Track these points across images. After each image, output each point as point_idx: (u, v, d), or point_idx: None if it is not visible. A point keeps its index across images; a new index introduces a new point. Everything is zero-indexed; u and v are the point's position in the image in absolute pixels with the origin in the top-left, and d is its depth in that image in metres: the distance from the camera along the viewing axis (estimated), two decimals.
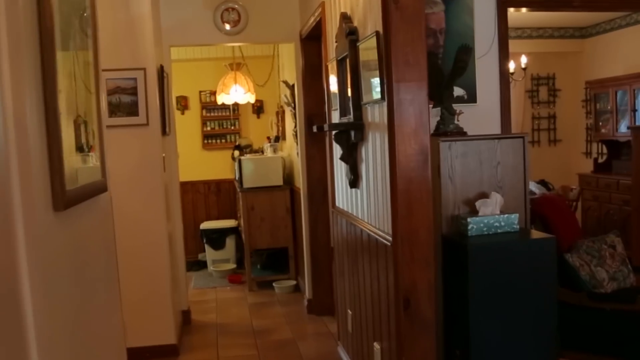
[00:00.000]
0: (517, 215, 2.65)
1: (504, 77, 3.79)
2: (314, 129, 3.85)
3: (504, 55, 3.76)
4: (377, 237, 2.81)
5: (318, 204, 5.06)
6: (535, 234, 2.70)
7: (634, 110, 6.49)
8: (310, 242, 5.14)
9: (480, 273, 2.44)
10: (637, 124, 6.38)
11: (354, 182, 3.25)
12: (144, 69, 4.09)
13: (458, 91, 3.32)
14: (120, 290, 2.12)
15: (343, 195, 3.70)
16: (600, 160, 7.29)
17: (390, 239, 2.57)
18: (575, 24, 7.68)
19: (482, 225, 2.61)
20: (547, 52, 7.95)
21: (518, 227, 2.67)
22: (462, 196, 2.71)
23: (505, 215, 2.63)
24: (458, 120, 3.08)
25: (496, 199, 2.65)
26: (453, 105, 2.98)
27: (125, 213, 3.94)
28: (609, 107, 7.02)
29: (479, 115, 3.63)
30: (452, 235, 2.70)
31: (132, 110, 4.11)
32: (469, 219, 2.61)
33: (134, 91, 4.11)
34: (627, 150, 6.87)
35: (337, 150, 3.54)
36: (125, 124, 4.07)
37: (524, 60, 6.43)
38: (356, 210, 3.33)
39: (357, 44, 2.92)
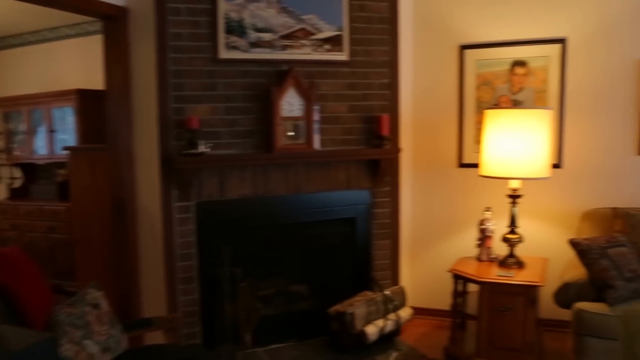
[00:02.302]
0: None
1: None
2: None
3: None
4: None
5: None
6: (23, 333, 1.63)
7: (53, 131, 5.94)
8: None
9: None
10: (57, 144, 5.88)
11: None
12: None
13: None
14: None
15: None
16: (15, 186, 6.45)
17: None
18: None
19: None
20: None
21: None
22: None
23: None
24: None
25: None
26: None
27: None
28: (23, 128, 6.26)
29: None
30: None
31: None
32: None
33: None
34: (47, 174, 6.30)
35: None
36: None
37: None
38: None
39: None
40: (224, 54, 3.67)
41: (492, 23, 4.25)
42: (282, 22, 3.78)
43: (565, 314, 3.56)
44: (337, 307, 3.75)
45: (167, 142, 3.57)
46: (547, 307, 3.85)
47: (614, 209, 3.82)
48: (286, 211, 3.90)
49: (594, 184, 4.13)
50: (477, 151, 4.25)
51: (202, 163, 3.59)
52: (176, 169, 3.54)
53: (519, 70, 4.22)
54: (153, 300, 3.72)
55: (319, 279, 4.21)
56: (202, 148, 3.56)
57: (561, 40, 4.08)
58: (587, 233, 3.83)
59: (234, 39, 3.67)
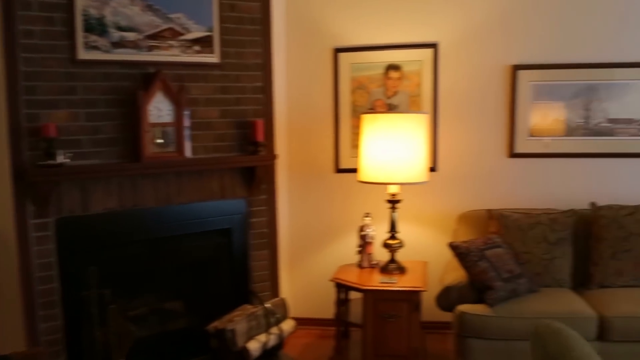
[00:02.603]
0: None
1: None
2: None
3: None
4: None
5: None
6: None
7: None
8: None
9: None
10: None
11: None
12: None
13: None
14: None
15: None
16: None
17: None
18: None
19: None
20: None
21: None
22: None
23: None
24: None
25: None
26: None
27: None
28: None
29: None
30: None
31: None
32: None
33: None
34: None
35: None
36: None
37: None
38: None
39: None
40: (83, 54, 3.56)
41: (365, 26, 4.50)
42: (148, 20, 3.74)
43: (444, 316, 3.86)
44: (216, 324, 3.76)
45: (20, 153, 3.38)
46: (427, 309, 4.14)
47: (489, 210, 4.19)
48: (157, 224, 3.85)
49: (468, 186, 4.50)
50: (355, 156, 4.48)
51: (62, 175, 3.45)
52: (31, 183, 3.37)
53: (393, 74, 4.50)
54: (9, 332, 3.50)
55: (196, 295, 4.20)
56: (61, 158, 3.42)
57: (433, 45, 4.42)
58: (463, 235, 4.17)
59: (94, 38, 3.58)
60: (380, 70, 4.50)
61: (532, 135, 4.39)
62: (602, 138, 4.32)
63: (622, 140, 4.31)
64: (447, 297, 3.71)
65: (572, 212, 4.02)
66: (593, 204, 4.02)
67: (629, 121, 4.29)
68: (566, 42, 4.30)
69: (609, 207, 3.96)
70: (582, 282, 3.93)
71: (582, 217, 4.03)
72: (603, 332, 3.48)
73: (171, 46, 3.81)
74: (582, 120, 4.32)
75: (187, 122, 3.84)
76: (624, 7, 4.22)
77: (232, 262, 4.18)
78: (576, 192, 4.37)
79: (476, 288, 3.66)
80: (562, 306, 3.57)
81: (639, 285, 3.81)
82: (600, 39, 4.26)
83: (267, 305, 3.92)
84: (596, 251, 3.89)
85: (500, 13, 4.34)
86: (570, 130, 4.34)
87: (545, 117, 4.36)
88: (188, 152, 3.86)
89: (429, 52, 4.43)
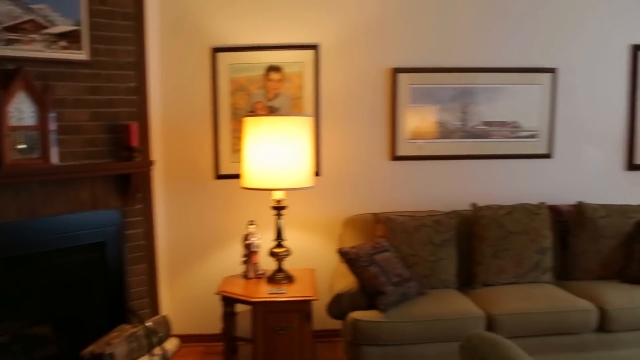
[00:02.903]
0: None
1: None
2: None
3: None
4: None
5: None
6: None
7: None
8: None
9: None
10: None
11: None
12: None
13: None
14: None
15: None
16: None
17: None
18: None
19: None
20: None
21: None
22: None
23: None
24: None
25: None
26: None
27: None
28: None
29: None
30: None
31: None
32: None
33: None
34: None
35: None
36: None
37: None
38: None
39: None
40: None
41: (245, 26, 4.36)
42: (5, 10, 3.35)
43: (332, 323, 3.81)
44: (93, 348, 3.45)
45: None
46: (315, 318, 4.08)
47: (375, 214, 4.21)
48: (20, 240, 3.46)
49: (353, 190, 4.50)
50: (236, 161, 4.33)
51: None
52: None
53: (274, 75, 4.40)
54: None
55: (67, 317, 3.83)
56: None
57: (314, 46, 4.37)
58: (349, 240, 4.15)
59: None
60: (261, 72, 4.39)
61: (413, 138, 4.47)
62: (478, 140, 4.51)
63: (497, 142, 4.52)
64: (339, 305, 3.67)
65: (454, 214, 4.14)
66: (474, 205, 4.17)
67: (502, 124, 4.51)
68: (442, 47, 4.44)
69: (489, 208, 4.12)
70: (467, 281, 4.06)
71: (464, 218, 4.17)
72: (490, 330, 3.59)
73: (33, 40, 3.45)
74: (460, 123, 4.48)
75: (53, 126, 3.50)
76: (496, 15, 4.43)
77: (106, 279, 3.86)
78: (458, 193, 4.52)
79: (367, 294, 3.64)
80: (451, 307, 3.65)
81: (519, 282, 3.99)
82: (473, 44, 4.45)
83: (148, 323, 3.68)
84: (479, 251, 4.04)
85: (380, 16, 4.39)
86: (449, 133, 4.48)
87: (424, 120, 4.46)
88: (54, 158, 3.52)
89: (309, 53, 4.38)
